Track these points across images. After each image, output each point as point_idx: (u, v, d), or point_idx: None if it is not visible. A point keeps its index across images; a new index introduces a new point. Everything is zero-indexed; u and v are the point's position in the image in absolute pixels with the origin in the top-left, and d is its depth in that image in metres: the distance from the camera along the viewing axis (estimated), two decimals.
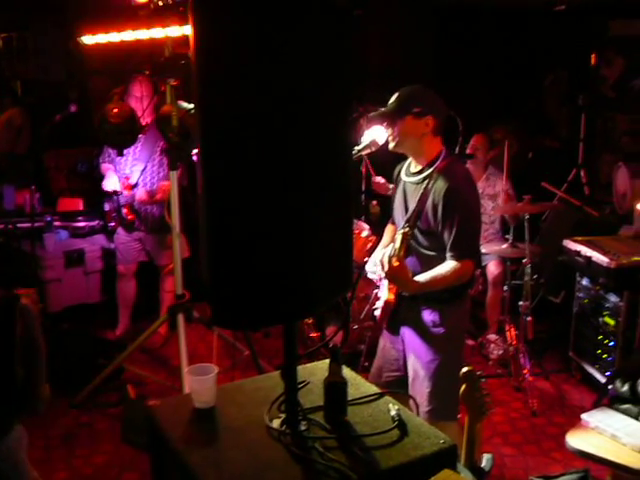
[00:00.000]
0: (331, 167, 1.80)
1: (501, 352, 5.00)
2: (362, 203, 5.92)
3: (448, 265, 2.90)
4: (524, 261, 4.72)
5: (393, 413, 2.10)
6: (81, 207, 6.17)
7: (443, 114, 3.03)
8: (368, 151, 3.12)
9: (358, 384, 2.36)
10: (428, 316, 3.02)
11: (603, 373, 4.44)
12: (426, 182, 2.98)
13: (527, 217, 4.64)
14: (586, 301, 4.73)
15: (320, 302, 1.92)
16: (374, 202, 5.74)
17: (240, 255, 1.69)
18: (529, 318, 4.70)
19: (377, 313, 3.22)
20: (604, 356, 4.48)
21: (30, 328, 2.41)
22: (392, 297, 3.11)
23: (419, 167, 3.06)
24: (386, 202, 3.91)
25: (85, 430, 4.26)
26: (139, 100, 4.88)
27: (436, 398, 3.00)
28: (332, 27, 1.71)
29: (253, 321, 1.81)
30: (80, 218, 5.95)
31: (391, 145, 3.06)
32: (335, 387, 2.09)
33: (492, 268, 5.31)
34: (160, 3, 3.75)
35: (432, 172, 2.98)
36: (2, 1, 7.69)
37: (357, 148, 3.08)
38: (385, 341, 3.29)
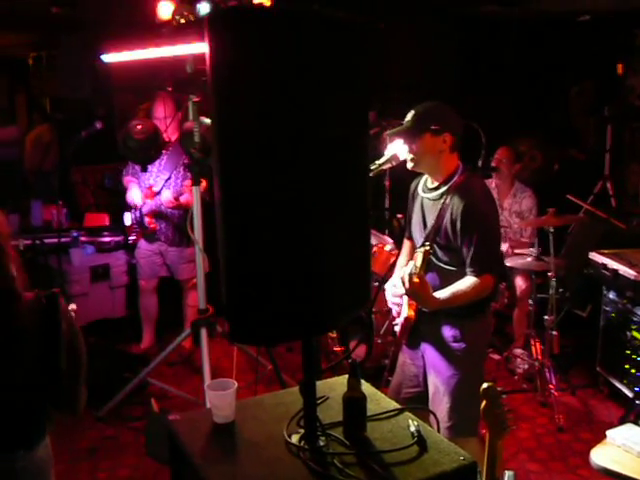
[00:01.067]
0: (348, 184, 1.80)
1: (527, 367, 4.95)
2: (386, 217, 5.92)
3: (468, 281, 2.89)
4: (549, 274, 4.67)
5: (413, 429, 2.09)
6: (107, 222, 6.23)
7: (460, 130, 3.02)
8: (389, 165, 3.12)
9: (378, 399, 2.35)
10: (449, 331, 3.01)
11: (631, 388, 4.36)
12: (444, 198, 2.96)
13: (552, 230, 4.59)
14: (613, 315, 4.66)
15: (338, 317, 1.92)
16: (398, 215, 5.73)
17: (257, 271, 1.70)
18: (554, 332, 4.66)
19: (397, 329, 3.21)
20: (632, 371, 4.40)
21: (73, 326, 2.42)
22: (412, 313, 3.09)
23: (436, 183, 3.05)
24: None
25: (110, 443, 4.29)
26: (162, 120, 4.93)
27: (456, 414, 2.98)
28: (347, 43, 1.71)
29: (271, 337, 1.81)
30: (106, 233, 6.00)
31: (410, 165, 3.05)
32: (354, 402, 2.09)
33: (520, 282, 5.27)
34: (182, 20, 3.79)
35: (449, 188, 2.96)
36: (31, 21, 7.83)
37: (378, 162, 3.08)
38: (405, 357, 3.27)
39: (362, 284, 1.92)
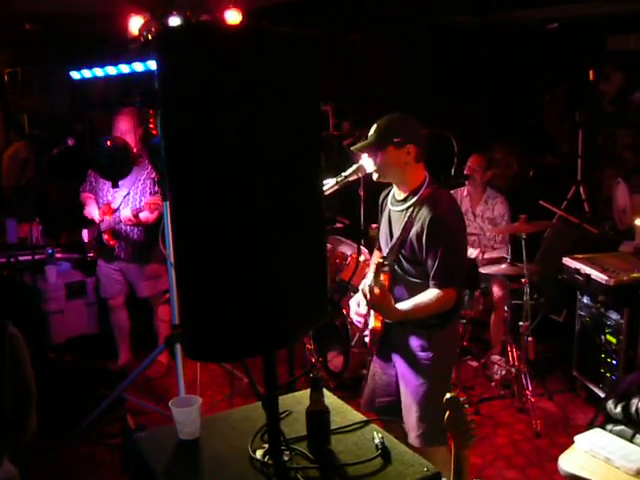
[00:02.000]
0: (302, 198, 1.80)
1: (504, 373, 4.97)
2: (361, 227, 5.93)
3: (430, 293, 2.89)
4: (523, 280, 4.69)
5: (377, 441, 2.09)
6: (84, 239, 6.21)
7: (424, 141, 3.01)
8: (355, 177, 3.10)
9: (344, 412, 2.35)
10: (416, 341, 3.01)
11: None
12: (410, 210, 2.97)
13: (524, 236, 4.62)
14: (588, 319, 4.69)
15: (296, 331, 1.93)
16: (373, 225, 5.74)
17: (211, 287, 1.69)
18: (530, 338, 4.67)
19: (367, 340, 3.21)
20: (608, 375, 4.44)
21: (19, 357, 2.39)
22: (379, 324, 3.10)
23: (403, 195, 3.05)
24: None
25: (86, 461, 4.25)
26: (124, 134, 4.90)
27: (425, 423, 2.98)
28: (295, 59, 1.72)
29: (228, 353, 1.81)
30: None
31: (375, 176, 3.05)
32: (317, 416, 2.09)
33: (496, 289, 5.28)
34: (150, 36, 3.79)
35: (416, 200, 2.96)
36: (6, 37, 7.82)
37: (344, 174, 3.08)
38: (376, 367, 3.27)
39: (319, 297, 1.92)
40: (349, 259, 4.94)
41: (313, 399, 2.10)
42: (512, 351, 4.86)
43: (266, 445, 2.06)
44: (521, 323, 4.75)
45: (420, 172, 3.02)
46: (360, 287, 3.05)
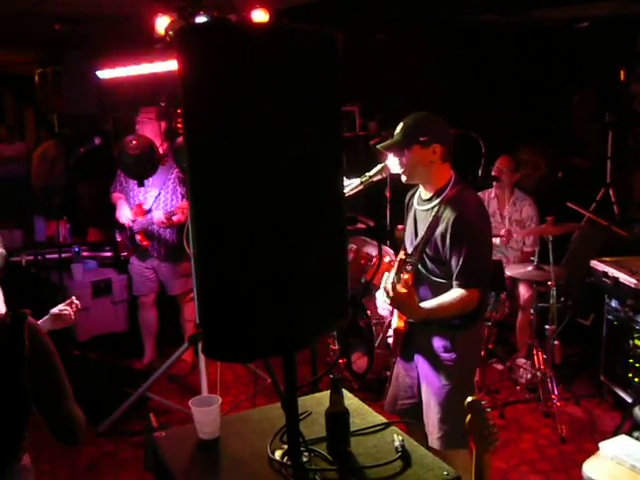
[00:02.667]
0: (323, 199, 1.78)
1: (530, 377, 4.91)
2: (387, 228, 5.91)
3: (454, 293, 2.86)
4: (549, 283, 4.64)
5: (397, 444, 2.07)
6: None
7: (449, 140, 2.99)
8: (379, 177, 3.10)
9: (364, 414, 2.34)
10: (439, 342, 2.98)
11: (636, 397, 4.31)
12: (435, 210, 2.94)
13: (550, 239, 4.56)
14: (616, 323, 4.62)
15: (316, 332, 1.91)
16: (399, 227, 5.71)
17: (232, 286, 1.69)
18: (556, 342, 4.62)
19: (390, 340, 3.18)
20: (636, 380, 4.35)
21: (42, 346, 2.39)
22: (402, 325, 3.07)
23: (429, 194, 3.02)
24: None
25: (109, 459, 4.28)
26: (148, 133, 4.92)
27: (446, 425, 2.94)
28: (316, 57, 1.70)
29: (247, 353, 1.79)
30: (108, 248, 6.02)
31: (404, 178, 3.03)
32: (336, 417, 2.08)
33: (522, 291, 5.24)
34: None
35: (442, 200, 2.94)
36: (36, 38, 7.92)
37: (368, 174, 3.07)
38: (399, 368, 3.25)
39: (340, 298, 1.90)
40: (374, 260, 4.91)
41: (333, 400, 2.08)
42: (538, 355, 4.80)
43: (285, 446, 2.05)
44: (547, 326, 4.70)
45: (446, 172, 3.00)
46: (382, 284, 3.00)
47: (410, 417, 3.13)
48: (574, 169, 7.19)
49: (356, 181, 3.02)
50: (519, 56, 7.15)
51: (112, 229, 5.33)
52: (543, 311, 4.91)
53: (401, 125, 2.99)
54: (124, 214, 5.10)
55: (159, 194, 5.06)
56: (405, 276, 2.93)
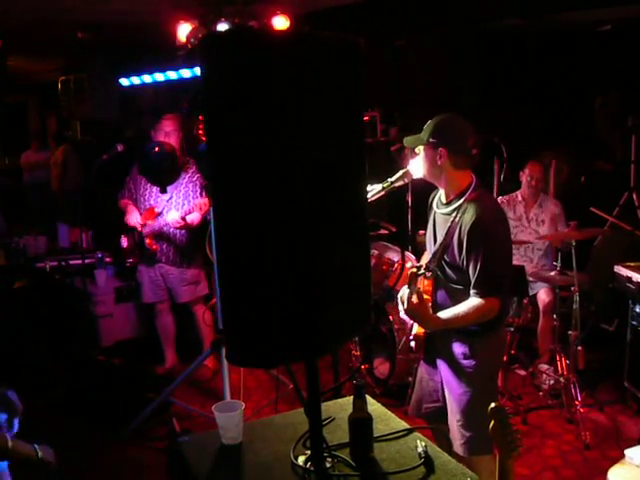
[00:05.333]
0: (346, 206, 1.79)
1: (552, 382, 4.87)
2: (408, 233, 5.90)
3: (471, 302, 2.81)
4: (573, 289, 4.61)
5: (420, 449, 2.07)
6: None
7: (462, 150, 2.91)
8: (401, 183, 3.08)
9: (387, 419, 2.33)
10: (459, 348, 2.95)
11: None
12: (454, 214, 2.90)
13: (574, 244, 4.53)
14: None
15: (339, 339, 1.91)
16: (421, 232, 5.70)
17: (255, 292, 1.69)
18: (579, 348, 4.58)
19: (412, 344, 3.15)
20: None
21: None
22: (421, 330, 3.04)
23: (448, 198, 3.00)
24: None
25: (132, 463, 4.30)
26: (167, 136, 4.95)
27: (469, 431, 2.92)
28: (340, 64, 1.71)
29: (270, 358, 1.80)
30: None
31: (421, 173, 3.02)
32: (359, 423, 2.08)
33: (543, 296, 5.21)
34: (197, 43, 3.83)
35: (460, 204, 2.90)
36: (59, 46, 8.00)
37: (390, 180, 3.06)
38: (423, 373, 3.23)
39: (363, 304, 1.90)
40: (396, 265, 4.90)
41: (356, 406, 2.09)
42: (561, 360, 4.77)
43: (308, 451, 2.05)
44: (571, 332, 4.66)
45: (463, 178, 2.95)
46: (398, 295, 2.97)
47: (435, 421, 3.12)
48: (597, 173, 7.13)
49: (378, 187, 3.02)
50: (541, 60, 7.10)
51: (118, 235, 5.31)
52: (566, 316, 4.87)
53: (428, 122, 2.99)
54: (134, 217, 5.10)
55: (171, 197, 5.06)
56: (420, 286, 2.89)
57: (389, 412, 2.41)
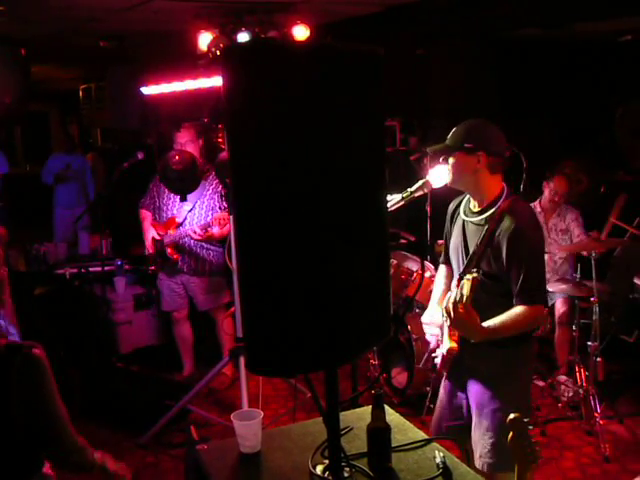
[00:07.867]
0: (366, 215, 1.80)
1: (571, 394, 4.84)
2: (427, 243, 5.89)
3: (519, 310, 2.73)
4: (592, 299, 4.58)
5: (438, 460, 2.07)
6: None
7: (499, 151, 2.86)
8: (421, 193, 3.06)
9: (406, 429, 2.33)
10: (491, 362, 2.86)
11: None
12: (489, 223, 2.82)
13: (593, 254, 4.50)
14: None
15: (358, 348, 1.92)
16: (439, 241, 5.68)
17: (276, 302, 1.70)
18: (599, 359, 4.55)
19: (437, 361, 3.02)
20: None
21: (33, 379, 2.25)
22: (454, 345, 2.89)
23: (480, 206, 2.92)
24: None
25: (150, 470, 4.32)
26: (184, 146, 4.98)
27: (500, 449, 2.77)
28: (360, 74, 1.72)
29: (290, 368, 1.81)
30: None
31: (448, 180, 2.95)
32: (378, 433, 2.08)
33: (558, 305, 5.19)
34: (218, 52, 3.86)
35: (495, 212, 2.83)
36: (80, 54, 8.08)
37: (410, 190, 3.04)
38: (445, 390, 3.11)
39: (382, 313, 1.91)
40: (415, 275, 4.90)
41: (374, 416, 2.09)
42: (580, 371, 4.73)
43: (326, 461, 2.05)
44: (590, 343, 4.63)
45: (496, 183, 2.88)
46: (443, 304, 2.88)
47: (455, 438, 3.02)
48: (617, 183, 7.09)
49: (397, 196, 3.00)
50: (561, 70, 7.08)
51: (137, 242, 5.34)
52: (586, 327, 4.84)
53: (454, 129, 2.92)
54: (148, 232, 5.17)
55: (193, 207, 5.08)
56: (468, 293, 2.71)
57: (407, 422, 2.40)
